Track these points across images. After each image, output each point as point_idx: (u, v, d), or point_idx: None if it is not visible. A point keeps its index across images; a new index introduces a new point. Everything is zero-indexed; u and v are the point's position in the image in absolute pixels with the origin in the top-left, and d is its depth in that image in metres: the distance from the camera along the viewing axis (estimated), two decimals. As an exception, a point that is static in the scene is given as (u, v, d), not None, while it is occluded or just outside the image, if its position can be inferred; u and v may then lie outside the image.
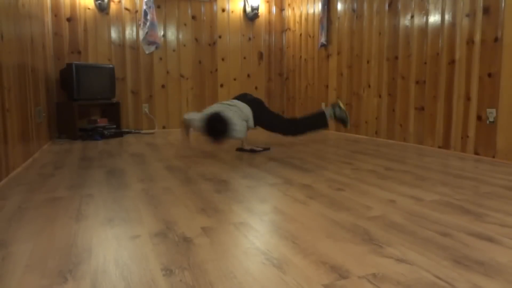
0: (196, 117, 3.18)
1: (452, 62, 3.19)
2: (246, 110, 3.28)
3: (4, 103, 2.37)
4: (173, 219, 1.59)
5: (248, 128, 3.32)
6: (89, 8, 4.92)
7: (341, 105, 3.40)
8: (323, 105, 4.82)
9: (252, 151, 3.35)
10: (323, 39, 4.88)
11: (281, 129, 3.43)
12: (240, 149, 3.42)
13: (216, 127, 2.96)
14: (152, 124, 5.32)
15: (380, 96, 4.05)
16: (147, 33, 5.02)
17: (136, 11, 5.13)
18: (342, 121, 3.42)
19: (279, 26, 5.93)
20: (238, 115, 3.18)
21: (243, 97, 3.45)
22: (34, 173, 2.57)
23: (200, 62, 5.51)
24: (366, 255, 1.21)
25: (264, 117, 3.37)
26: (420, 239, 1.34)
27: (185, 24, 5.39)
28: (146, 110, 5.28)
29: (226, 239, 1.36)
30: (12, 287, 1.04)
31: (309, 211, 1.68)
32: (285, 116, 3.37)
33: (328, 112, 3.41)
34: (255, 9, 5.66)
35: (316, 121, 3.41)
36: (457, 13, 3.12)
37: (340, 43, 4.65)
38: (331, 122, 3.26)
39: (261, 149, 3.40)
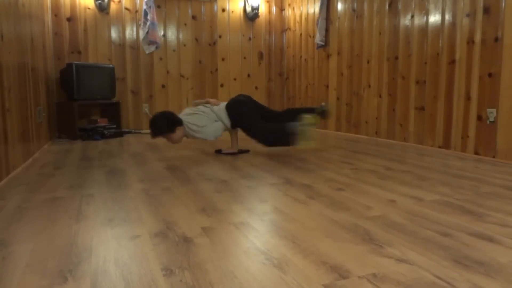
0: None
1: (452, 62, 3.19)
2: (219, 111, 3.17)
3: (4, 103, 2.37)
4: (173, 219, 1.59)
5: (226, 129, 3.21)
6: (89, 8, 4.92)
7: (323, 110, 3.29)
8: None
9: (232, 154, 3.27)
10: (318, 39, 4.85)
11: (254, 136, 3.18)
12: (218, 151, 3.36)
13: (156, 122, 2.98)
14: (152, 124, 5.31)
15: (380, 96, 4.04)
16: (147, 33, 5.02)
17: (136, 11, 5.13)
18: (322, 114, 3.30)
19: (279, 26, 5.93)
20: (206, 118, 3.10)
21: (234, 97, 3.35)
22: (34, 173, 2.57)
23: (200, 62, 5.51)
24: (366, 255, 1.21)
25: (241, 120, 3.17)
26: (420, 239, 1.34)
27: (185, 24, 5.39)
28: (146, 110, 5.28)
29: (226, 239, 1.36)
30: (12, 287, 1.04)
31: (309, 211, 1.68)
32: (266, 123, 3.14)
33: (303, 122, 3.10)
34: (255, 9, 5.66)
35: (279, 138, 3.07)
36: (458, 13, 3.12)
37: (340, 43, 4.65)
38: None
39: (236, 151, 3.30)
